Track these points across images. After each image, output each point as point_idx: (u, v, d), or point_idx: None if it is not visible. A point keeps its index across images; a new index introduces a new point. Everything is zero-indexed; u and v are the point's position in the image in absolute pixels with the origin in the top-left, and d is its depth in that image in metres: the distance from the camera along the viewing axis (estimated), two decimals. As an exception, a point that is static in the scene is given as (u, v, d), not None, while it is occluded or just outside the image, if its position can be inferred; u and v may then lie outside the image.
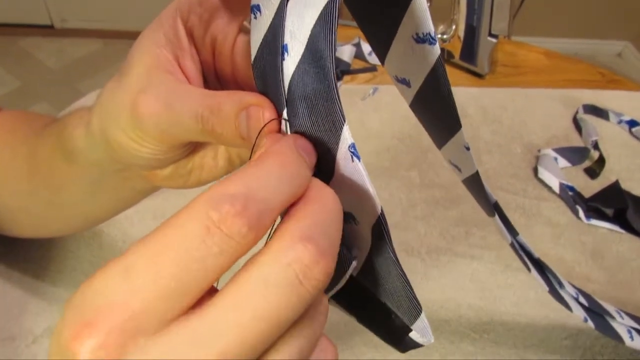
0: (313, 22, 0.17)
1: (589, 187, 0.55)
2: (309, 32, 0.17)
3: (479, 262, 0.47)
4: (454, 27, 0.70)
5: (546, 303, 0.44)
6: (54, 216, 0.35)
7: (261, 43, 0.19)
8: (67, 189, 0.31)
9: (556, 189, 0.54)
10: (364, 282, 0.21)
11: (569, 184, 0.55)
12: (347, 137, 0.17)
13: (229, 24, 0.24)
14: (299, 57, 0.18)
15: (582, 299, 0.37)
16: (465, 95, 0.68)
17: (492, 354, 0.40)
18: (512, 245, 0.30)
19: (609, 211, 0.52)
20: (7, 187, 0.34)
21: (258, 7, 0.19)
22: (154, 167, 0.26)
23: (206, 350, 0.13)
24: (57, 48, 2.04)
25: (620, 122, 0.64)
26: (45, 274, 0.44)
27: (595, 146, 0.59)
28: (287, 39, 0.18)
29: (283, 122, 0.19)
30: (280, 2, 0.18)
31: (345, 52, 0.71)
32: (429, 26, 0.19)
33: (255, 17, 0.19)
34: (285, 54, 0.18)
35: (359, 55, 0.73)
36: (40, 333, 0.39)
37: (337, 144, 0.18)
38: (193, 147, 0.26)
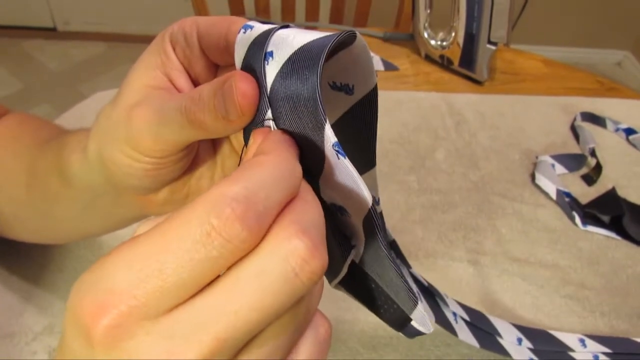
0: (308, 40, 0.18)
1: (586, 194, 0.56)
2: (301, 44, 0.18)
3: (475, 267, 0.48)
4: (453, 34, 0.70)
5: (541, 307, 0.45)
6: (49, 227, 0.35)
7: (246, 53, 0.20)
8: (61, 207, 0.31)
9: (553, 195, 0.55)
10: (367, 271, 0.22)
11: (566, 190, 0.55)
12: (329, 135, 0.18)
13: (207, 69, 0.24)
14: (285, 60, 0.18)
15: (526, 342, 0.39)
16: (464, 102, 0.68)
17: (487, 356, 0.40)
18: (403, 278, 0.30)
19: (605, 218, 0.52)
20: (5, 193, 0.35)
21: (250, 26, 0.20)
22: (149, 189, 0.25)
23: (201, 334, 0.14)
24: (59, 50, 2.06)
25: (617, 130, 0.65)
26: (46, 273, 0.44)
27: (593, 153, 0.60)
28: (272, 48, 0.19)
29: (269, 122, 0.19)
30: (271, 28, 0.19)
31: (346, 58, 0.72)
32: (347, 78, 0.21)
33: (245, 32, 0.20)
34: (270, 58, 0.19)
35: (359, 60, 0.74)
36: (40, 331, 0.40)
37: (323, 142, 0.18)
38: (187, 165, 0.25)
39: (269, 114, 0.19)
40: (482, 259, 0.48)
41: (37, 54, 2.03)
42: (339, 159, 0.18)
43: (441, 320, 0.34)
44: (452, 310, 0.36)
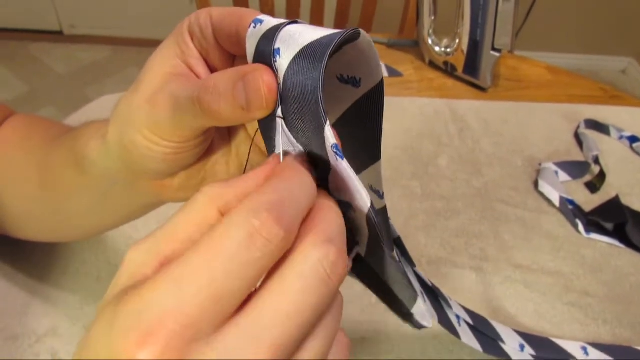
0: (313, 38, 0.18)
1: (589, 201, 0.56)
2: (307, 42, 0.18)
3: (478, 274, 0.48)
4: (457, 40, 0.71)
5: (544, 314, 0.44)
6: (59, 224, 0.36)
7: (255, 49, 0.20)
8: (75, 199, 0.32)
9: (556, 202, 0.55)
10: (372, 265, 0.23)
11: (569, 197, 0.55)
12: (329, 137, 0.18)
13: (224, 58, 0.25)
14: (291, 58, 0.19)
15: (528, 349, 0.39)
16: (468, 108, 0.68)
17: (490, 364, 0.40)
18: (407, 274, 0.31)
19: (609, 225, 0.52)
20: (17, 191, 0.35)
21: (260, 21, 0.20)
22: (166, 173, 0.26)
23: (257, 346, 0.14)
24: (65, 54, 2.07)
25: (621, 137, 0.65)
26: (50, 275, 0.44)
27: (596, 161, 0.60)
28: (280, 44, 0.19)
29: (279, 120, 0.20)
30: (279, 23, 0.20)
31: (350, 64, 0.72)
32: (354, 71, 0.22)
33: (255, 27, 0.20)
34: (277, 56, 0.19)
35: (363, 66, 0.74)
36: (44, 333, 0.40)
37: (324, 143, 0.19)
38: (205, 150, 0.26)
39: (279, 111, 0.19)
40: (485, 265, 0.48)
41: (44, 57, 2.04)
42: (337, 160, 0.19)
43: (444, 321, 0.34)
44: (455, 312, 0.36)
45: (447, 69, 0.75)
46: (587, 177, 0.59)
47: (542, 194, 0.56)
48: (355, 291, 0.39)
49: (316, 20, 1.09)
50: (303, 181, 0.18)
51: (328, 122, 0.18)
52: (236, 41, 0.22)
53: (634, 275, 0.49)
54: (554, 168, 0.59)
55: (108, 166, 0.27)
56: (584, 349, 0.41)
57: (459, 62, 0.72)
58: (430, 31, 0.74)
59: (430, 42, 0.75)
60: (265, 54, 0.19)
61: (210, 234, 0.15)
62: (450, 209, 0.54)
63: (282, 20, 0.20)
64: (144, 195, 0.29)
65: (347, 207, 0.21)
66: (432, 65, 0.77)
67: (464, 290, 0.46)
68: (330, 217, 0.18)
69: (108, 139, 0.26)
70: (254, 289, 0.16)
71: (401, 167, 0.58)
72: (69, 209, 0.33)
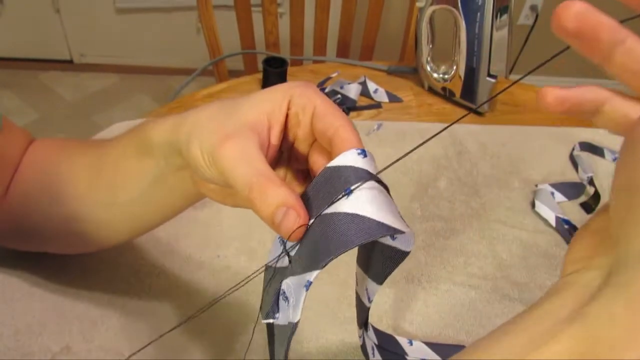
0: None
1: (584, 221, 0.57)
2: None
3: (476, 291, 0.49)
4: (454, 67, 0.73)
5: (542, 331, 0.46)
6: (104, 221, 0.38)
7: (338, 169, 0.26)
8: (127, 188, 0.35)
9: (552, 222, 0.56)
10: (275, 337, 0.28)
11: (565, 217, 0.57)
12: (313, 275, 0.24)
13: (306, 138, 0.29)
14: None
15: None
16: (466, 132, 0.71)
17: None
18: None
19: (604, 244, 0.53)
20: (64, 193, 0.38)
21: (365, 154, 0.27)
22: (206, 181, 0.30)
23: None
24: (75, 82, 2.12)
25: (615, 159, 0.66)
26: (65, 294, 0.46)
27: (591, 182, 0.62)
28: (354, 189, 0.24)
29: (285, 257, 0.26)
30: (372, 175, 0.26)
31: (352, 90, 0.75)
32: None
33: (358, 155, 0.26)
34: (346, 196, 0.24)
35: (364, 92, 0.77)
36: (58, 351, 0.42)
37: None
38: None
39: (294, 253, 0.25)
40: (484, 284, 0.50)
41: (54, 85, 2.09)
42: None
43: None
44: None
45: (446, 95, 0.77)
46: (583, 198, 0.61)
47: (538, 214, 0.58)
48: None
49: (319, 48, 1.12)
50: None
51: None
52: (327, 142, 0.27)
53: (630, 293, 0.50)
54: (550, 189, 0.60)
55: (168, 149, 0.30)
56: None
57: (457, 88, 0.75)
58: (429, 58, 0.77)
59: (428, 69, 0.77)
60: (338, 184, 0.24)
61: None
62: (450, 229, 0.56)
63: (374, 169, 0.26)
64: (187, 185, 0.33)
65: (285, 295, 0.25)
66: (431, 90, 0.80)
67: (463, 308, 0.48)
68: None
69: (180, 128, 0.29)
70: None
71: (401, 190, 0.60)
72: (116, 201, 0.36)
